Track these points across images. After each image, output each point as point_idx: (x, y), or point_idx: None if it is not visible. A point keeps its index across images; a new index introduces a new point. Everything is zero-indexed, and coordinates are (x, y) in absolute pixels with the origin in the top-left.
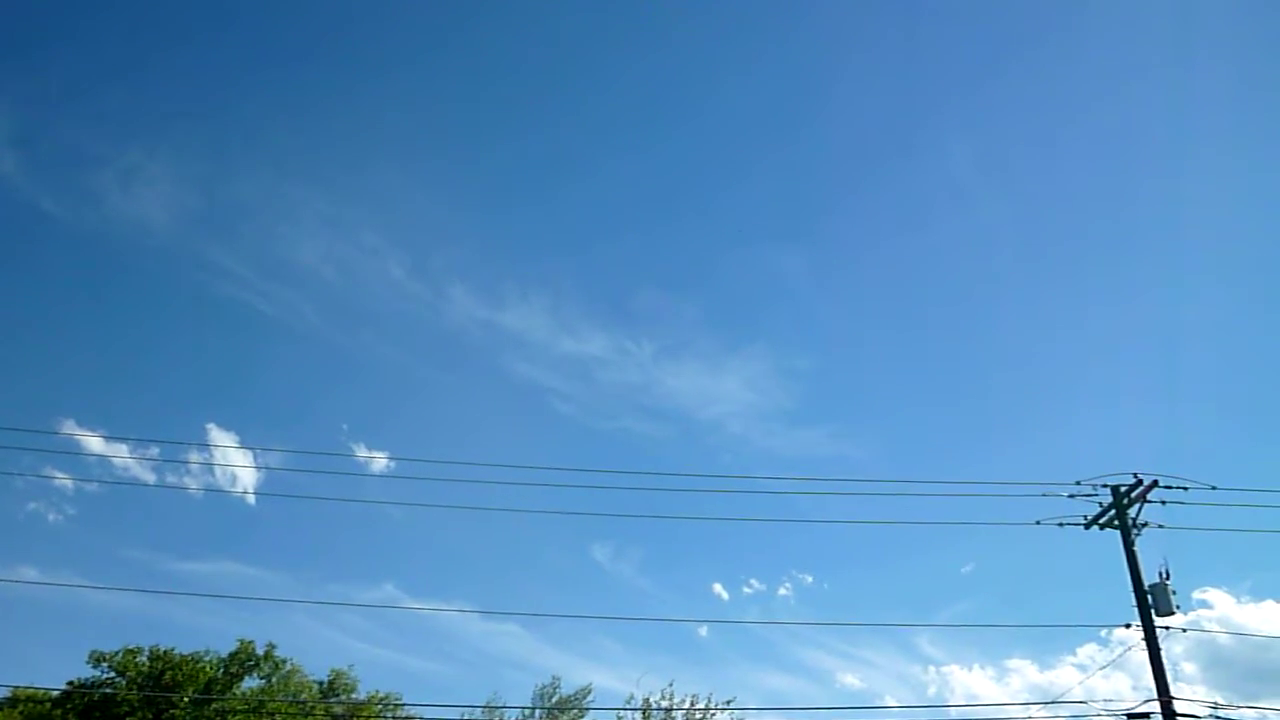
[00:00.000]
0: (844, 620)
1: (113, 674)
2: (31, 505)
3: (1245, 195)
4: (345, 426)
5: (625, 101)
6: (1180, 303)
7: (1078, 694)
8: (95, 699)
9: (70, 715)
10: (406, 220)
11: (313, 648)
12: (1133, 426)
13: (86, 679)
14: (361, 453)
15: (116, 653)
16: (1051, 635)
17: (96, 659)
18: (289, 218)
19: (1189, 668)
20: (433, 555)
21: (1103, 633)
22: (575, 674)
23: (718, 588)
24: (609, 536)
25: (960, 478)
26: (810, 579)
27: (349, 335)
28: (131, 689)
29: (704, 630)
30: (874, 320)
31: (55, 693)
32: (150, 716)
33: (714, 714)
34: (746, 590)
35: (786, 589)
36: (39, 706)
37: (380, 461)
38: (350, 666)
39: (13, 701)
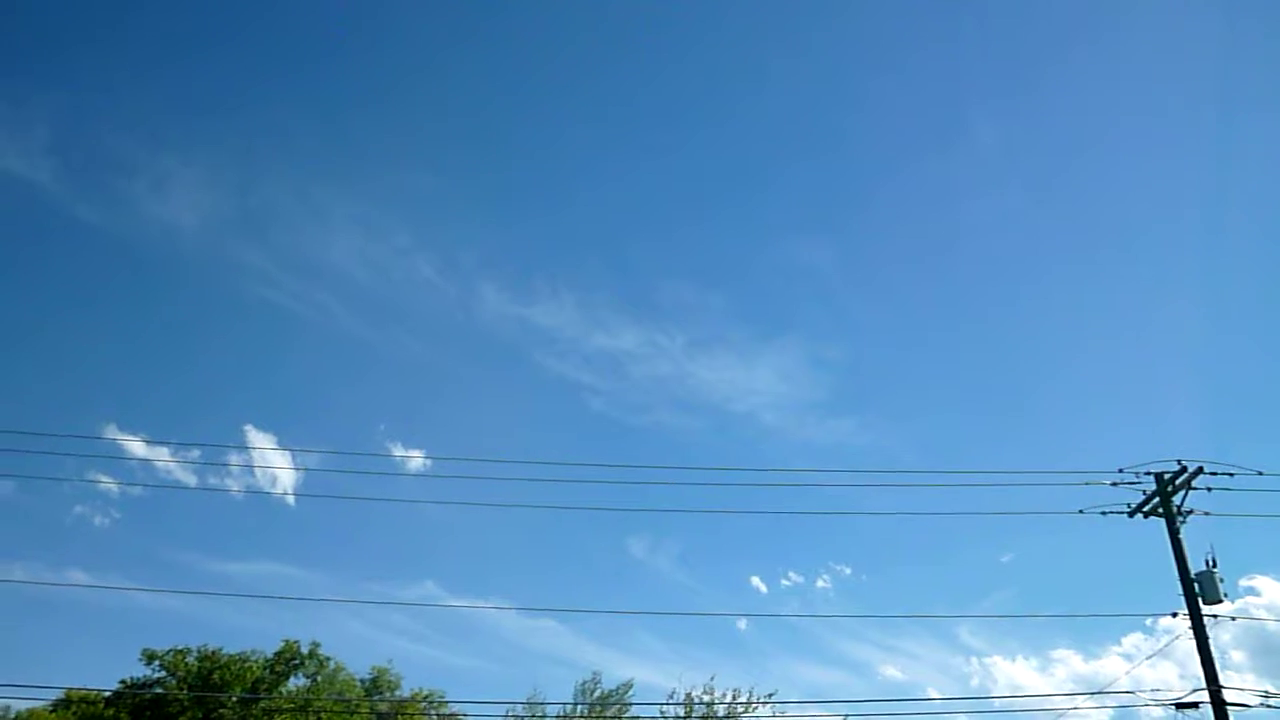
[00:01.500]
0: (883, 612)
1: (164, 673)
2: (78, 509)
3: None
4: (382, 426)
5: (654, 97)
6: (1223, 286)
7: (1124, 684)
8: (146, 699)
9: (122, 714)
10: (435, 219)
11: (354, 646)
12: (1176, 412)
13: (138, 678)
14: (398, 451)
15: (167, 652)
16: (1096, 625)
17: (149, 657)
18: (319, 219)
19: (1237, 656)
20: (471, 552)
21: (1148, 621)
22: (615, 669)
23: (755, 580)
24: (645, 530)
25: (994, 467)
26: (848, 570)
27: (382, 334)
28: (181, 688)
29: (743, 624)
30: (905, 310)
31: (107, 693)
32: (199, 716)
33: (755, 708)
34: (785, 583)
35: (825, 581)
36: (92, 707)
37: (416, 460)
38: (390, 663)
39: (66, 703)
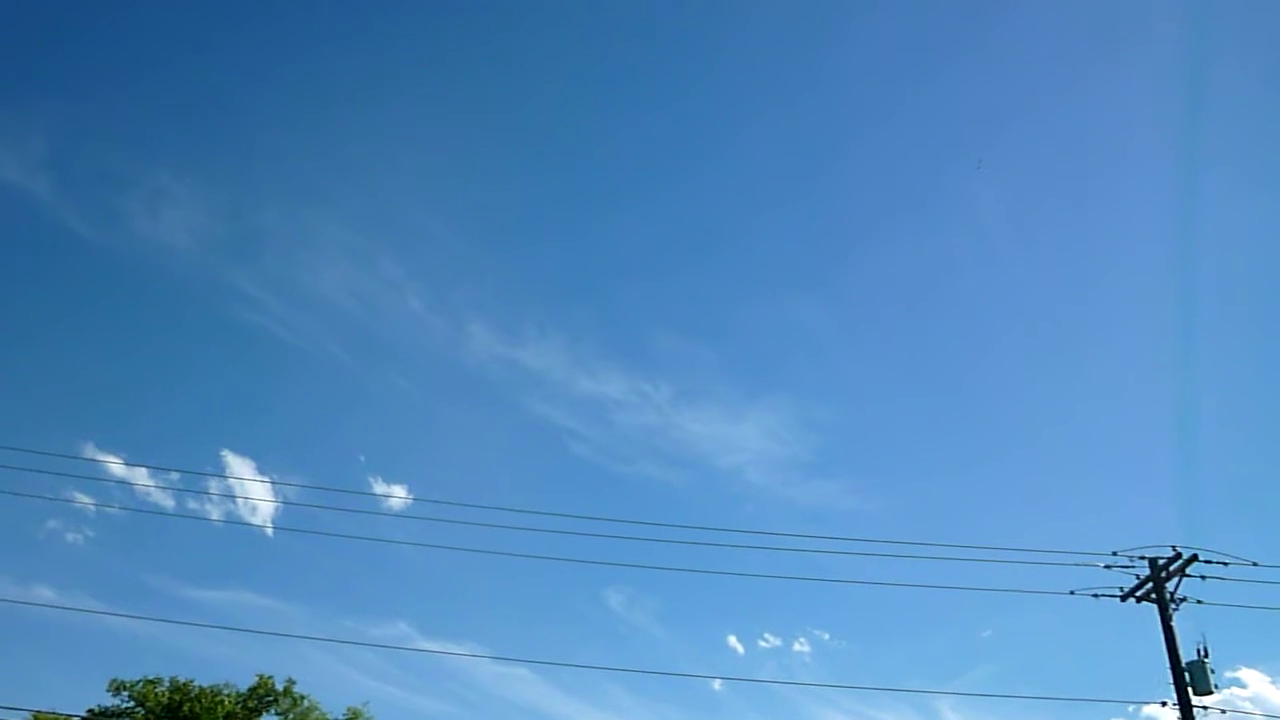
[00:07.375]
0: (860, 682)
1: (132, 703)
2: (51, 524)
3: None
4: (362, 459)
5: (649, 143)
6: (1223, 368)
7: None
8: None
9: None
10: (428, 253)
11: (322, 681)
12: (1165, 497)
13: (106, 707)
14: (379, 487)
15: (137, 682)
16: (1075, 708)
17: (117, 687)
18: (312, 245)
19: None
20: (447, 594)
21: (1130, 708)
22: None
23: (733, 640)
24: (624, 583)
25: (979, 540)
26: (827, 636)
27: (367, 367)
28: (149, 719)
29: (718, 684)
30: (899, 375)
31: (76, 718)
32: None
33: None
34: (762, 644)
35: (802, 645)
36: None
37: (397, 497)
38: (365, 704)
39: None
